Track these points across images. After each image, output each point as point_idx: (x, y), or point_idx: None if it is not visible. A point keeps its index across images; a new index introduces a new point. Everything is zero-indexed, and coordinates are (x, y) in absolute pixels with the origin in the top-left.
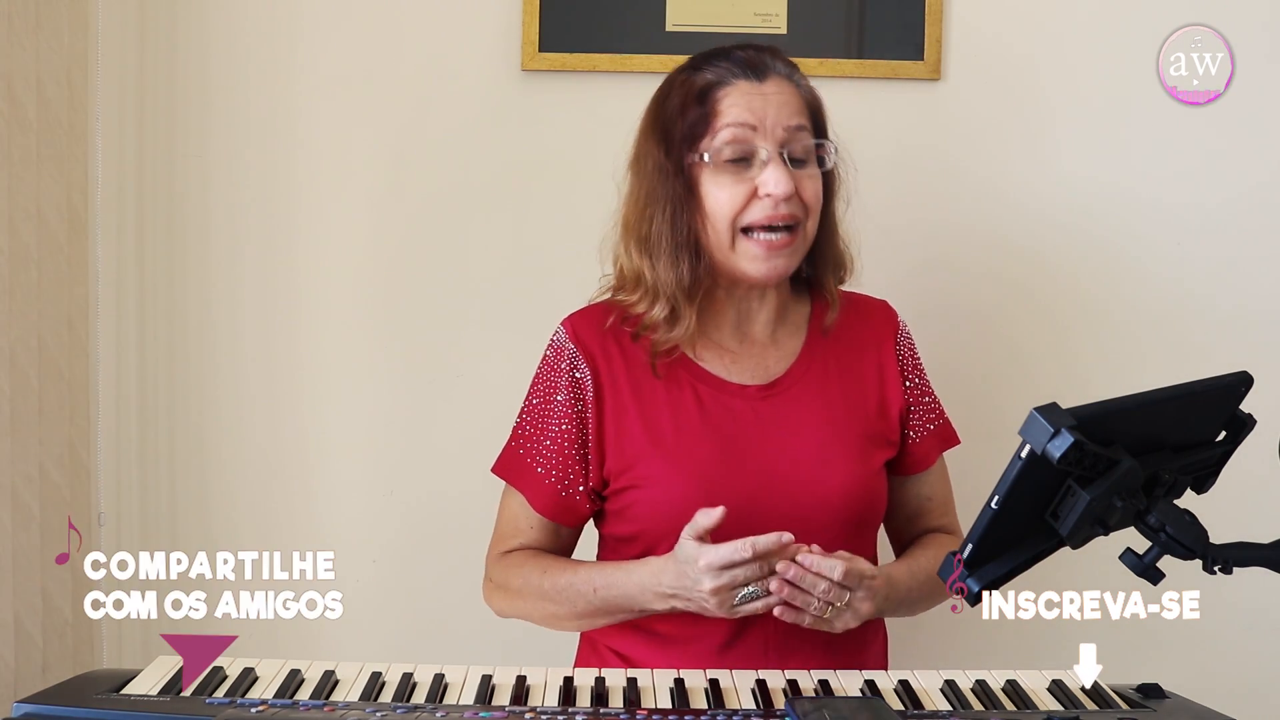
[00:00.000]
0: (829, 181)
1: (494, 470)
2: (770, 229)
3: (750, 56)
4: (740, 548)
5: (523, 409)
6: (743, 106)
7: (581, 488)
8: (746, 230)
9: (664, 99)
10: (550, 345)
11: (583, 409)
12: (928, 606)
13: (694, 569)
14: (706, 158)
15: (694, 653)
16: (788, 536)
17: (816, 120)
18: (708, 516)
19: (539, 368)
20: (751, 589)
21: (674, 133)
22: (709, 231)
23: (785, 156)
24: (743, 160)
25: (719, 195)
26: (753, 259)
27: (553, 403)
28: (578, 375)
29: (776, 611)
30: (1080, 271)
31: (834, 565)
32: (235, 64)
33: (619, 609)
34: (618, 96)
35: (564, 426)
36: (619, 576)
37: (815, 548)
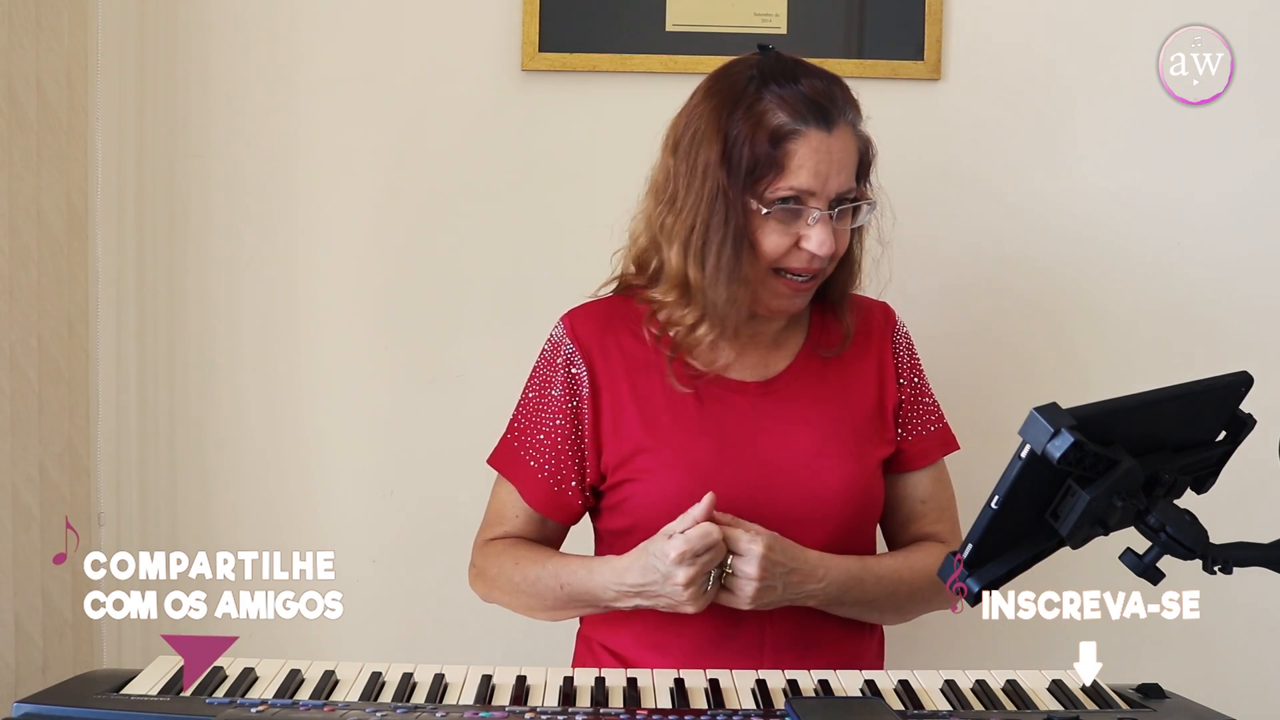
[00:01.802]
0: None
1: (489, 461)
2: (801, 275)
3: (820, 94)
4: (708, 532)
5: (520, 402)
6: (810, 169)
7: (574, 483)
8: (778, 270)
9: (731, 106)
10: (549, 340)
11: (578, 405)
12: (895, 613)
13: (665, 563)
14: (765, 211)
15: (688, 647)
16: (710, 498)
17: (863, 167)
18: (698, 508)
19: (537, 361)
20: (714, 571)
21: (737, 157)
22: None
23: (833, 215)
24: (794, 213)
25: (764, 241)
26: (778, 295)
27: (547, 397)
28: (573, 371)
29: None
30: (1080, 271)
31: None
32: (235, 64)
33: (586, 604)
34: (618, 96)
35: (558, 422)
36: (582, 574)
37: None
